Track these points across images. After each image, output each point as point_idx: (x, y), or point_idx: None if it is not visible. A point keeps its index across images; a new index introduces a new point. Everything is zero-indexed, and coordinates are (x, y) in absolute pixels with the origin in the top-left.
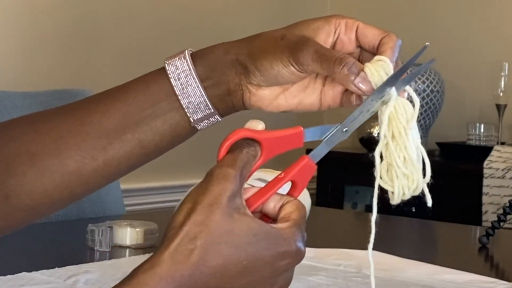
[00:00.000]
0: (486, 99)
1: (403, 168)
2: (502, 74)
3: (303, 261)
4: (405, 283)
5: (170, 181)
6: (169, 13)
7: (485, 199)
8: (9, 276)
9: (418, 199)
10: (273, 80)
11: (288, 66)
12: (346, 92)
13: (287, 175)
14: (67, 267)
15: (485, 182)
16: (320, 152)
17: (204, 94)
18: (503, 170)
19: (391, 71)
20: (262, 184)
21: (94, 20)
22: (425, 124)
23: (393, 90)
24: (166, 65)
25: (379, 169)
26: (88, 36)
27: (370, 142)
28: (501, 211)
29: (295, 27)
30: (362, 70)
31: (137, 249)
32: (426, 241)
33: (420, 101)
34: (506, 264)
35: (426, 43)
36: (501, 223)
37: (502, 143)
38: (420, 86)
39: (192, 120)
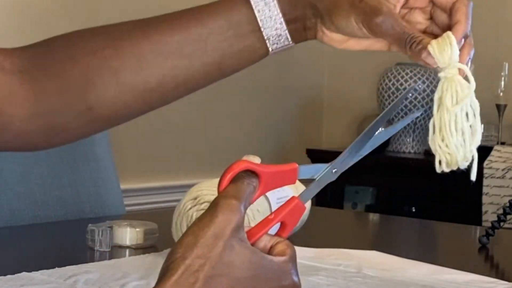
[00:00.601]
0: (486, 99)
1: (444, 147)
2: (502, 74)
3: (303, 261)
4: (405, 283)
5: (170, 181)
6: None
7: (485, 199)
8: (9, 276)
9: (418, 199)
10: (346, 34)
11: (362, 29)
12: None
13: (277, 216)
14: (67, 267)
15: (485, 182)
16: (309, 193)
17: (285, 27)
18: (503, 170)
19: (456, 47)
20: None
21: (95, 20)
22: (425, 124)
23: (459, 65)
24: None
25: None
26: None
27: None
28: (501, 211)
29: None
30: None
31: (137, 249)
32: (426, 241)
33: (421, 101)
34: (506, 264)
35: (415, 84)
36: (501, 223)
37: (502, 143)
38: (420, 86)
39: (270, 50)
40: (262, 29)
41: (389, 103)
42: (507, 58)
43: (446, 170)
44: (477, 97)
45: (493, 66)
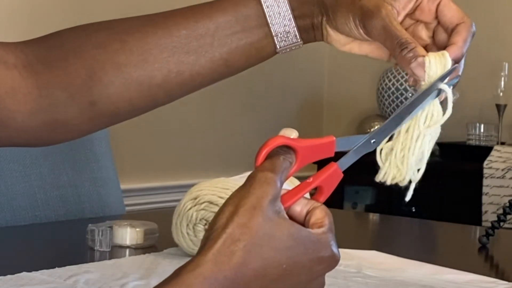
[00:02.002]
0: (486, 99)
1: (398, 162)
2: (502, 74)
3: None
4: (405, 283)
5: (170, 181)
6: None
7: (485, 199)
8: (9, 276)
9: (419, 199)
10: (345, 33)
11: (357, 28)
12: None
13: (315, 180)
14: (67, 267)
15: (485, 182)
16: (347, 161)
17: (294, 24)
18: (503, 170)
19: (448, 67)
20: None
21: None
22: None
23: (444, 87)
24: None
25: (382, 146)
26: None
27: None
28: (501, 211)
29: None
30: (422, 56)
31: (137, 249)
32: (426, 241)
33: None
34: (506, 264)
35: (455, 65)
36: (501, 223)
37: (502, 143)
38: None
39: (278, 47)
40: (270, 25)
41: (389, 103)
42: (507, 58)
43: (389, 183)
44: (477, 97)
45: (493, 66)
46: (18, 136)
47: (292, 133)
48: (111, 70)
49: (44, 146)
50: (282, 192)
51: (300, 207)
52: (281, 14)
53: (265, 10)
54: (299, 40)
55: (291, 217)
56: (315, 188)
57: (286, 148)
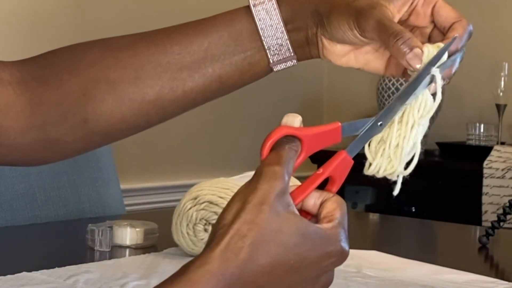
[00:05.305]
0: (486, 99)
1: (391, 152)
2: (502, 74)
3: None
4: (405, 283)
5: (170, 181)
6: (172, 17)
7: (485, 199)
8: (9, 276)
9: (419, 199)
10: (340, 39)
11: (352, 30)
12: None
13: (325, 171)
14: (67, 267)
15: (485, 182)
16: (356, 147)
17: (286, 37)
18: (503, 170)
19: (445, 59)
20: None
21: (98, 27)
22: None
23: (437, 73)
24: (251, 5)
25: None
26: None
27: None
28: (501, 211)
29: None
30: (417, 47)
31: (137, 249)
32: (426, 241)
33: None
34: (506, 264)
35: (456, 35)
36: (501, 223)
37: (502, 143)
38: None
39: (271, 61)
40: (262, 38)
41: (389, 103)
42: (507, 58)
43: (380, 175)
44: (477, 97)
45: (493, 66)
46: (10, 154)
47: (296, 119)
48: (104, 87)
49: (35, 166)
50: (293, 188)
51: (313, 200)
52: (273, 26)
53: (257, 23)
54: (292, 54)
55: (306, 212)
56: (327, 179)
57: (291, 137)
